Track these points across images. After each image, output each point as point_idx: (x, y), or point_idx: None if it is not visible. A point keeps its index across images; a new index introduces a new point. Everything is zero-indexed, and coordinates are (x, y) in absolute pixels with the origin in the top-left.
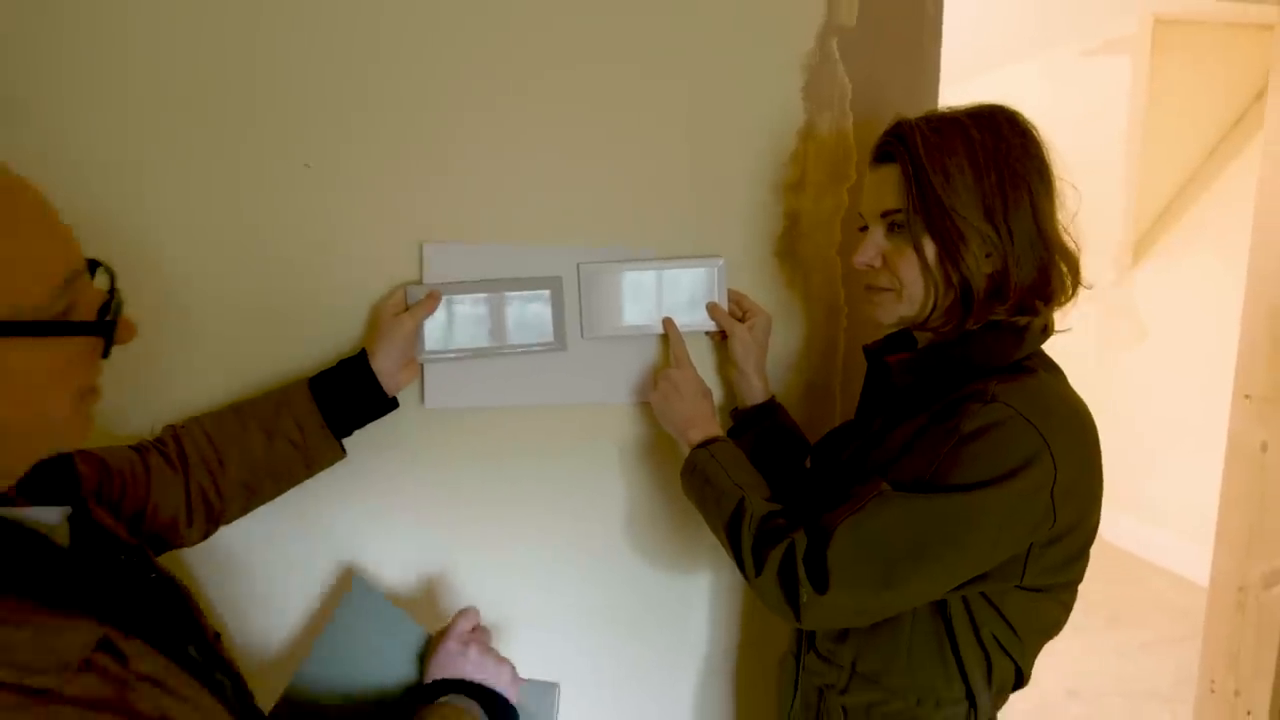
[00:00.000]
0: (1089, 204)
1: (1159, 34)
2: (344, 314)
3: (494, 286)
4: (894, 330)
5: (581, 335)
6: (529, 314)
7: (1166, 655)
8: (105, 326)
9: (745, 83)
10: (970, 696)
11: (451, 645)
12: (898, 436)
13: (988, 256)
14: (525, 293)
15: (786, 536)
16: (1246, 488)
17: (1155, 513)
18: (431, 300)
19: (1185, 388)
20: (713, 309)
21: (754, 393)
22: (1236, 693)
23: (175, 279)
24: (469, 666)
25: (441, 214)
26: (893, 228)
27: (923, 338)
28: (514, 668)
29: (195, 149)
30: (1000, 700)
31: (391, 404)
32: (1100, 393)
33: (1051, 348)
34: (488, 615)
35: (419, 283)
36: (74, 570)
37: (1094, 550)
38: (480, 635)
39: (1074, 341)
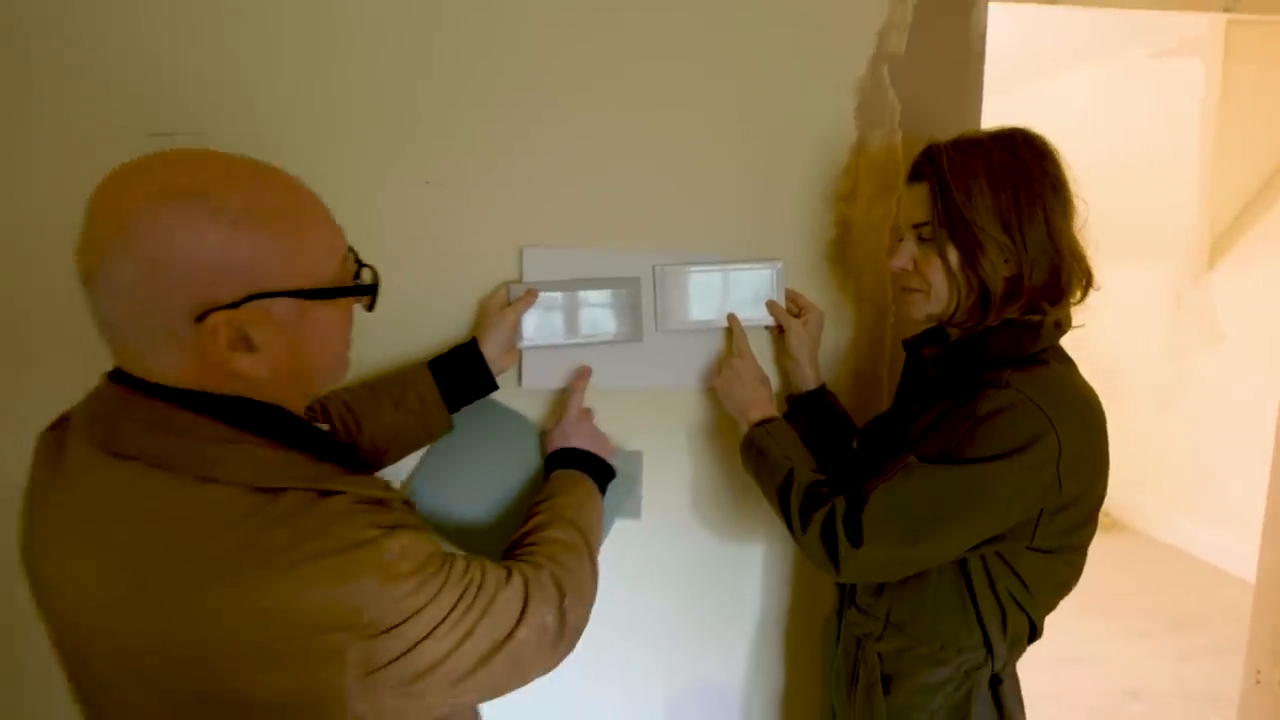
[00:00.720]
0: (1160, 206)
1: (1231, 35)
2: (456, 307)
3: (582, 285)
4: (929, 326)
5: (656, 328)
6: (611, 309)
7: (1228, 659)
8: (373, 288)
9: (804, 105)
10: (988, 644)
11: (570, 420)
12: (927, 418)
13: (1005, 262)
14: (608, 291)
15: (828, 501)
16: None
17: (1220, 517)
18: (530, 297)
19: (1256, 392)
20: (772, 306)
21: (807, 381)
22: None
23: None
24: (582, 437)
25: (538, 222)
26: (922, 238)
27: (953, 333)
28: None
29: (340, 170)
30: (1016, 651)
31: (493, 385)
32: (1171, 396)
33: (1115, 349)
34: None
35: (519, 281)
36: (354, 452)
37: (1157, 555)
38: (589, 413)
39: (1145, 344)
